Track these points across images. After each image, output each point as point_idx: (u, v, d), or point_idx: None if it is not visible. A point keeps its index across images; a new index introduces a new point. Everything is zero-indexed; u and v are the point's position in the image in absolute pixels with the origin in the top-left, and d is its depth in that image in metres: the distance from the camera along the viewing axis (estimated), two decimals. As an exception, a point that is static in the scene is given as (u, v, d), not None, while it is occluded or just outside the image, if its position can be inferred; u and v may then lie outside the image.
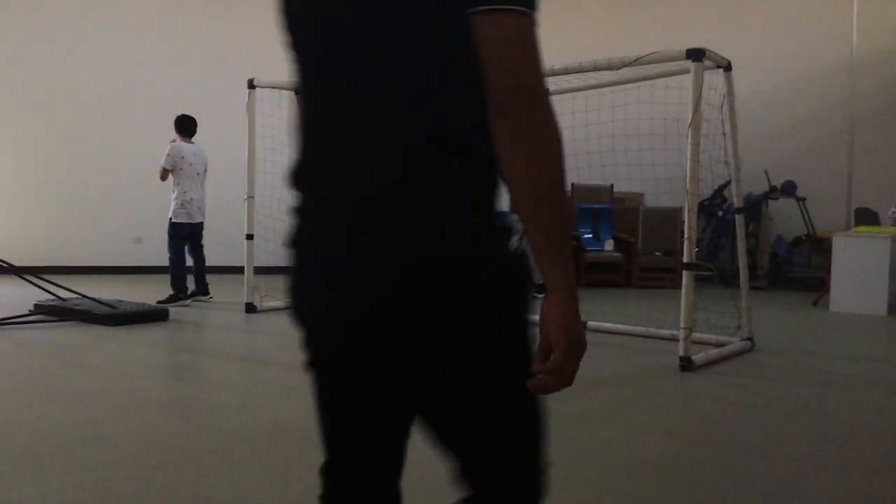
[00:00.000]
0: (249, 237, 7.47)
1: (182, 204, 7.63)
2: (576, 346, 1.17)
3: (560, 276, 1.15)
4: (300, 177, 1.27)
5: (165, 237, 7.89)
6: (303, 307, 1.29)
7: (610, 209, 10.62)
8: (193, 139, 7.88)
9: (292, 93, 1.53)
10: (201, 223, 7.82)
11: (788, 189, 10.68)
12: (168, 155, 7.64)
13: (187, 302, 7.68)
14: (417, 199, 1.15)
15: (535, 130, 1.11)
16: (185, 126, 7.82)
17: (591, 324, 6.82)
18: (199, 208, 7.75)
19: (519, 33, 1.12)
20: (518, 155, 1.11)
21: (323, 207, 1.22)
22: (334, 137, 1.21)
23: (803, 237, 10.66)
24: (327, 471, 1.46)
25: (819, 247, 10.21)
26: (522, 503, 1.38)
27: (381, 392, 1.28)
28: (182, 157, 7.64)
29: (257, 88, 7.53)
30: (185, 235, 7.72)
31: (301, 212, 1.27)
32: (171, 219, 7.68)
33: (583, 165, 8.54)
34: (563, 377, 1.19)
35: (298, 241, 1.27)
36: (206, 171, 7.87)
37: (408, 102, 1.15)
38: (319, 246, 1.22)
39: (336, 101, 1.21)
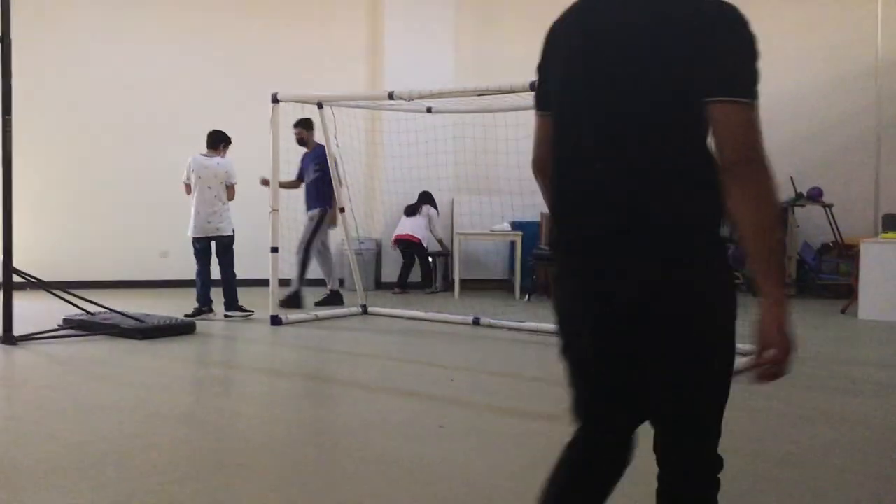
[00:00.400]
0: (274, 250, 7.51)
1: (192, 217, 7.65)
2: (791, 345, 1.58)
3: (774, 289, 1.58)
4: (571, 213, 1.75)
5: (190, 251, 7.97)
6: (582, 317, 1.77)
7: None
8: (223, 152, 7.87)
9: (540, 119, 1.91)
10: (218, 237, 7.68)
11: (815, 195, 10.57)
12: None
13: (212, 315, 7.62)
14: (684, 221, 1.64)
15: (759, 190, 1.58)
16: (208, 138, 7.87)
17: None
18: (209, 222, 7.61)
19: (746, 119, 1.60)
20: (745, 205, 1.58)
21: (604, 236, 1.67)
22: (607, 183, 1.67)
23: (830, 244, 10.54)
24: (581, 435, 2.01)
25: (847, 254, 10.08)
26: (708, 487, 1.95)
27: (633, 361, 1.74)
28: (193, 171, 7.67)
29: (281, 103, 7.58)
30: (202, 249, 7.67)
31: (574, 239, 1.75)
32: None
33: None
34: (781, 369, 1.60)
35: (575, 262, 1.76)
36: (222, 183, 7.69)
37: (668, 159, 1.64)
38: (603, 267, 1.68)
39: (610, 157, 1.67)
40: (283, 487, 3.09)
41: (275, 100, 7.57)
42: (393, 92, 7.15)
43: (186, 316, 7.38)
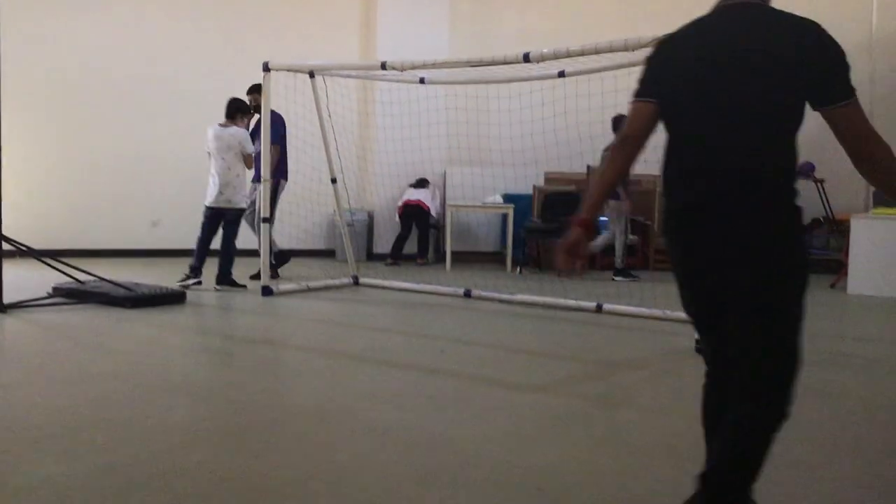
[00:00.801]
0: (265, 220, 7.49)
1: (209, 186, 7.57)
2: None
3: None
4: (695, 181, 2.29)
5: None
6: (706, 248, 2.30)
7: (626, 191, 10.56)
8: (241, 122, 7.75)
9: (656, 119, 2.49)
10: (227, 209, 7.52)
11: (806, 171, 10.56)
12: None
13: (198, 285, 7.48)
14: (779, 190, 2.30)
15: (885, 152, 2.29)
16: (226, 108, 7.71)
17: (607, 307, 6.80)
18: (221, 193, 7.45)
19: (862, 112, 2.27)
20: (887, 167, 2.34)
21: (726, 194, 2.24)
22: (731, 163, 2.24)
23: (821, 219, 10.57)
24: (709, 353, 2.59)
25: (837, 229, 10.12)
26: (778, 413, 2.40)
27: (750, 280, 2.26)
28: (209, 140, 7.56)
29: (273, 72, 7.51)
30: (210, 217, 7.55)
31: (700, 198, 2.28)
32: None
33: (599, 148, 8.48)
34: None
35: (698, 210, 2.29)
36: (236, 154, 7.49)
37: (779, 151, 2.31)
38: (722, 216, 2.23)
39: (736, 143, 2.24)
40: (276, 455, 3.10)
41: (266, 68, 7.50)
42: (386, 62, 7.09)
43: (179, 284, 7.32)
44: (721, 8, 2.38)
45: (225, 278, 7.57)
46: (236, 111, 7.68)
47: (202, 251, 7.57)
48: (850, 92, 2.22)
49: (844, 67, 2.24)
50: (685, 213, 2.33)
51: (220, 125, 7.58)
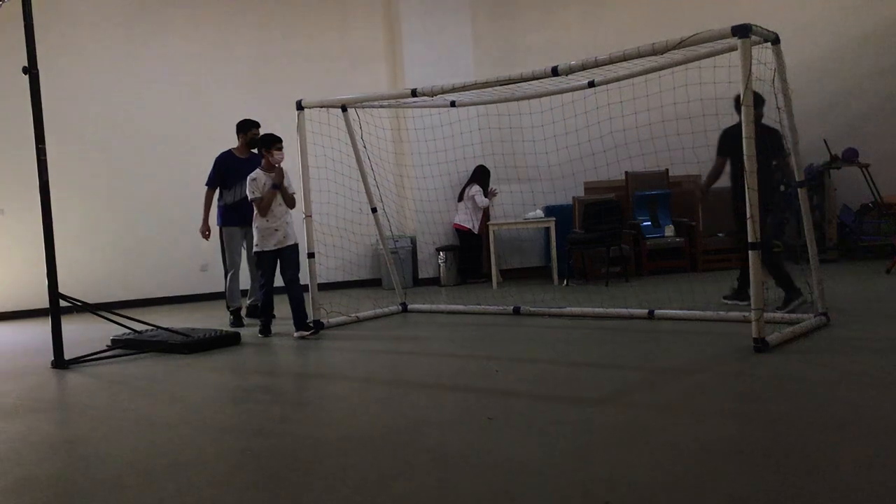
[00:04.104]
0: (311, 255, 7.56)
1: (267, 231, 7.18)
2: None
3: None
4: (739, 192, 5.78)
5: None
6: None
7: (667, 194, 10.47)
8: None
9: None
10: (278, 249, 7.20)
11: (850, 157, 10.38)
12: None
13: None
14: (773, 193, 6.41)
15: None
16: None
17: (658, 312, 6.74)
18: (280, 235, 7.15)
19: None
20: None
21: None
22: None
23: (870, 204, 10.35)
24: None
25: (887, 212, 9.91)
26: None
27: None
28: (264, 184, 7.16)
29: (306, 109, 7.62)
30: (267, 262, 7.21)
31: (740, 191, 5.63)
32: None
33: (635, 153, 8.44)
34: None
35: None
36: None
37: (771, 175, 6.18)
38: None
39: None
40: (344, 489, 3.11)
41: (299, 107, 7.61)
42: (416, 89, 7.15)
43: (264, 334, 7.19)
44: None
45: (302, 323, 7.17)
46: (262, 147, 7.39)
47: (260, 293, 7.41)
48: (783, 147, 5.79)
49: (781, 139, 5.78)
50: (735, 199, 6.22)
51: (263, 168, 7.12)
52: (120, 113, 10.29)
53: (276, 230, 7.08)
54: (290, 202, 7.20)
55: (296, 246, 7.22)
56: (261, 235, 7.11)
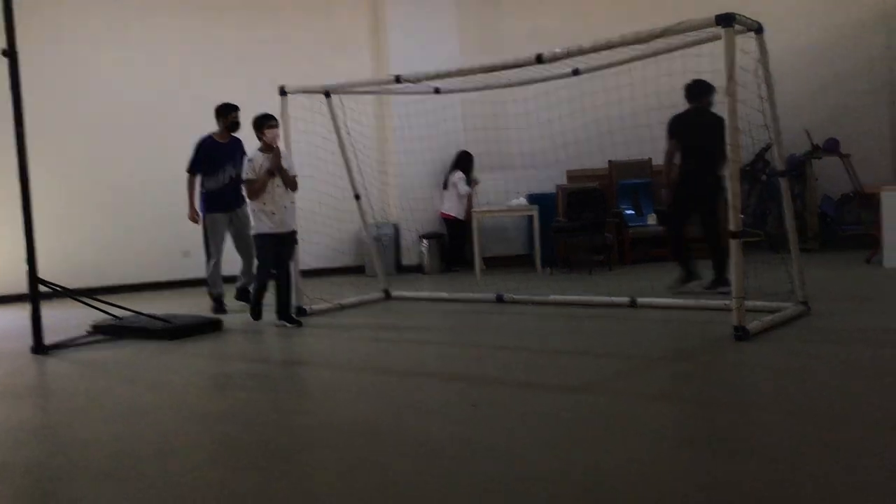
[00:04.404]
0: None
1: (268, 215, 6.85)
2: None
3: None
4: (688, 177, 7.27)
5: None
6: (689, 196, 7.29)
7: (649, 183, 10.51)
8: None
9: None
10: (279, 234, 6.89)
11: (831, 147, 10.45)
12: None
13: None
14: (715, 183, 7.01)
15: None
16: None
17: (641, 300, 6.77)
18: (277, 219, 6.85)
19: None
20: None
21: (693, 183, 7.19)
22: (696, 169, 7.15)
23: (851, 194, 10.44)
24: None
25: (868, 203, 9.97)
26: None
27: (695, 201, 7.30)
28: (261, 164, 6.86)
29: (289, 95, 7.58)
30: (268, 247, 6.93)
31: (685, 184, 7.28)
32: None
33: (619, 142, 8.45)
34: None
35: (687, 185, 7.27)
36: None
37: (715, 160, 6.61)
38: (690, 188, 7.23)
39: (698, 159, 7.13)
40: (327, 475, 3.12)
41: (282, 92, 7.57)
42: (400, 76, 7.12)
43: (255, 317, 7.02)
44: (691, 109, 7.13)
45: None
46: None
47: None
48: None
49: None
50: (683, 183, 7.12)
51: (260, 149, 6.81)
52: (101, 97, 10.17)
53: (274, 213, 6.71)
54: (292, 185, 6.82)
55: (293, 234, 6.94)
56: (256, 217, 6.78)
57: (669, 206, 7.64)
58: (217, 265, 7.96)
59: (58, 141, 9.93)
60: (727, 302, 5.66)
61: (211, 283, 7.98)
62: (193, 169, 7.96)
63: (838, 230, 10.43)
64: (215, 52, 10.61)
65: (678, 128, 7.32)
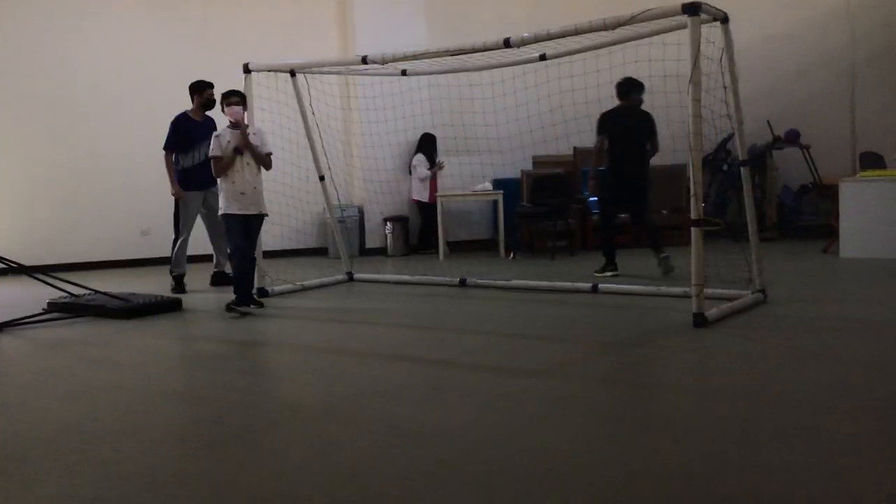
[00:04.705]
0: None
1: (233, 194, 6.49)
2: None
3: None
4: (619, 170, 7.82)
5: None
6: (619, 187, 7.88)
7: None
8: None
9: None
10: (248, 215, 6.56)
11: (792, 138, 10.60)
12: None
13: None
14: (643, 175, 7.81)
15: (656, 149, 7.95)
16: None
17: (602, 286, 6.83)
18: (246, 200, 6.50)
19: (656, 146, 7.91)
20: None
21: (624, 175, 7.78)
22: (626, 163, 7.75)
23: (810, 185, 10.61)
24: None
25: (826, 194, 10.16)
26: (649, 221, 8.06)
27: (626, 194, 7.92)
28: (229, 141, 6.49)
29: (253, 73, 7.48)
30: (236, 228, 6.54)
31: (619, 171, 7.82)
32: None
33: (584, 129, 8.46)
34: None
35: (616, 177, 7.87)
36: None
37: (644, 156, 7.82)
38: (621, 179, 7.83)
39: (628, 153, 7.74)
40: (282, 457, 3.10)
41: (246, 70, 7.47)
42: (366, 56, 7.07)
43: (228, 307, 6.47)
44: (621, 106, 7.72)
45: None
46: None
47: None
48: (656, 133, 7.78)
49: (655, 124, 7.73)
50: (617, 173, 7.67)
51: (229, 126, 6.52)
52: (59, 74, 9.96)
53: (243, 194, 6.38)
54: (265, 163, 6.55)
55: (261, 217, 6.62)
56: (224, 197, 6.43)
57: (601, 200, 8.26)
58: (184, 244, 7.87)
59: (14, 117, 9.75)
60: (686, 290, 5.73)
61: (175, 261, 7.88)
62: (169, 147, 7.86)
63: (797, 220, 10.60)
64: (177, 29, 10.45)
65: (606, 124, 7.75)
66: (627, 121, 7.72)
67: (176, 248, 7.87)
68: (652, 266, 7.84)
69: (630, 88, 7.73)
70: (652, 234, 7.91)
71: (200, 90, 7.92)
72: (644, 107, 7.80)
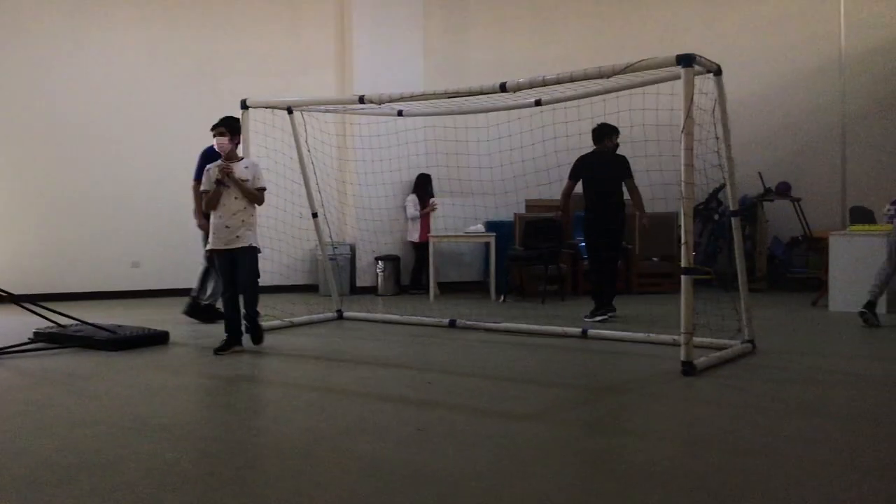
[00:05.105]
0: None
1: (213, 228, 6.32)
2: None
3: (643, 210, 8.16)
4: (593, 211, 8.06)
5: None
6: (595, 230, 8.10)
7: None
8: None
9: None
10: (230, 249, 6.28)
11: (783, 190, 10.70)
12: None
13: (239, 349, 6.37)
14: (618, 214, 7.99)
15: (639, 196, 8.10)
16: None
17: (591, 332, 6.82)
18: (223, 233, 6.25)
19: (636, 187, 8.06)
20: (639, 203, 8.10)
21: (596, 218, 8.02)
22: (598, 205, 8.00)
23: (800, 237, 10.67)
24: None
25: (816, 247, 10.22)
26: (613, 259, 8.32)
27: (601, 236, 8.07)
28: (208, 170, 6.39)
29: (251, 109, 7.53)
30: (219, 264, 6.43)
31: (593, 214, 8.06)
32: None
33: (577, 174, 8.52)
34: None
35: (592, 220, 8.10)
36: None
37: (617, 198, 8.00)
38: (594, 222, 8.09)
39: (599, 196, 7.98)
40: (266, 495, 3.07)
41: (244, 106, 7.52)
42: (364, 96, 7.14)
43: (216, 351, 6.23)
44: (595, 150, 8.01)
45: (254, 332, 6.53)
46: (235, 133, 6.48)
47: (235, 305, 6.37)
48: (630, 175, 7.93)
49: (629, 167, 7.91)
50: (592, 217, 8.02)
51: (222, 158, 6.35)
52: (56, 103, 10.00)
53: (227, 227, 6.18)
54: (253, 197, 6.28)
55: (249, 249, 6.28)
56: (211, 231, 6.27)
57: (586, 243, 8.47)
58: (206, 273, 7.86)
59: (8, 146, 9.77)
60: (675, 337, 5.73)
61: (199, 288, 7.89)
62: (198, 177, 7.81)
63: (786, 272, 10.65)
64: (176, 63, 10.53)
65: (578, 168, 8.04)
66: (599, 165, 7.94)
67: (199, 276, 7.88)
68: (642, 312, 7.84)
69: (602, 134, 7.98)
70: (609, 282, 8.09)
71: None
72: (636, 154, 7.86)
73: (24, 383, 5.31)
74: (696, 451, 3.66)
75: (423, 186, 10.82)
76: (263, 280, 8.54)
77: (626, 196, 8.07)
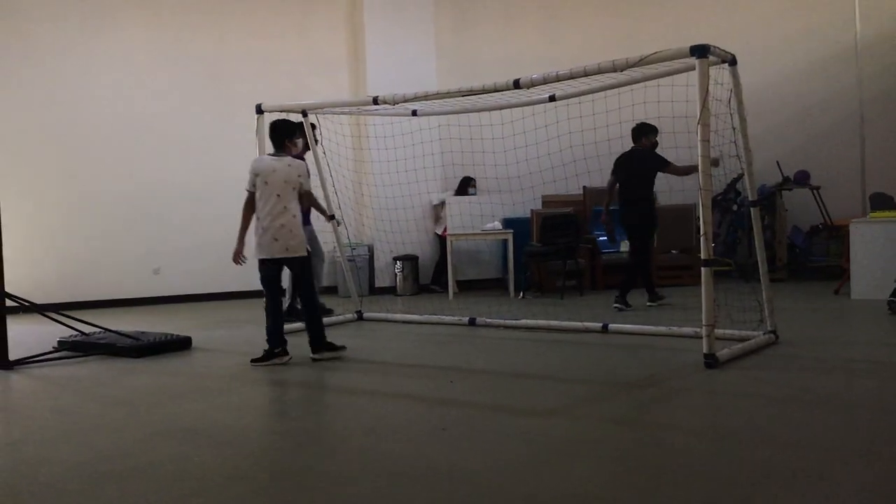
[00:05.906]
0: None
1: (257, 233, 5.98)
2: None
3: None
4: (622, 209, 8.36)
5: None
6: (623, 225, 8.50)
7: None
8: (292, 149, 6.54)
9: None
10: (286, 258, 6.01)
11: (802, 179, 10.61)
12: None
13: (287, 358, 6.03)
14: (644, 215, 8.21)
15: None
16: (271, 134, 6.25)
17: (612, 326, 6.80)
18: (276, 238, 5.88)
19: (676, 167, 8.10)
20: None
21: (625, 214, 8.32)
22: (627, 203, 8.25)
23: (820, 226, 10.57)
24: None
25: (836, 235, 10.12)
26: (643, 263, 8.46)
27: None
28: (257, 175, 5.98)
29: (265, 113, 7.56)
30: (270, 274, 6.08)
31: (620, 215, 8.37)
32: None
33: (594, 168, 8.53)
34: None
35: (620, 215, 8.45)
36: (286, 186, 5.93)
37: (646, 188, 8.13)
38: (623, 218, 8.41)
39: (629, 194, 8.18)
40: (289, 496, 3.08)
41: (259, 110, 7.55)
42: (377, 97, 7.14)
43: (253, 361, 5.98)
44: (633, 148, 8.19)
45: (320, 342, 6.17)
46: (284, 136, 6.15)
47: (278, 315, 6.12)
48: (667, 164, 8.02)
49: (662, 158, 8.05)
50: (621, 212, 8.27)
51: (272, 155, 6.12)
52: (72, 110, 10.08)
53: (265, 231, 5.89)
54: (302, 200, 6.10)
55: (300, 259, 6.05)
56: (255, 238, 6.00)
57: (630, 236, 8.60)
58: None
59: (27, 154, 9.85)
60: (697, 330, 5.70)
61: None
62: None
63: (807, 261, 10.56)
64: (190, 67, 10.58)
65: (616, 167, 8.29)
66: (632, 164, 8.13)
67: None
68: (663, 305, 7.81)
69: (640, 133, 8.18)
70: (631, 275, 8.34)
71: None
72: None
73: (50, 391, 5.36)
74: (719, 444, 3.64)
75: (464, 189, 10.89)
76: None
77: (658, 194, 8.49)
